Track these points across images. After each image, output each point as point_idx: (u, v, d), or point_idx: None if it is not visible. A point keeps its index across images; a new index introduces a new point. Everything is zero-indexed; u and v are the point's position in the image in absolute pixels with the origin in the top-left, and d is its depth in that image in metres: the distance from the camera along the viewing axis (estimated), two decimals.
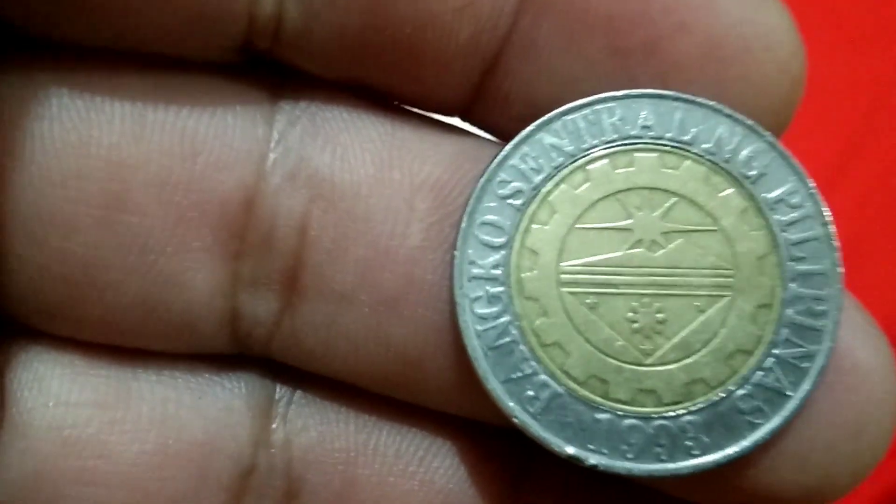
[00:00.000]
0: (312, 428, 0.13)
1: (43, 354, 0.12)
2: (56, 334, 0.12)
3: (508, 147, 0.11)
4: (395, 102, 0.12)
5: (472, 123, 0.12)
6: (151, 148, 0.11)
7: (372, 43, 0.11)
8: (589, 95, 0.11)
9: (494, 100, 0.12)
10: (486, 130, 0.12)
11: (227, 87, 0.12)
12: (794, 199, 0.11)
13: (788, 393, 0.11)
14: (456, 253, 0.11)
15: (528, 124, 0.12)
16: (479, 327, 0.11)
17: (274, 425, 0.13)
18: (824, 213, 0.12)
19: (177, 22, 0.11)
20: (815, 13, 0.50)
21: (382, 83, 0.12)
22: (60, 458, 0.12)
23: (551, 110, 0.11)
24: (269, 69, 0.12)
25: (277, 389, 0.13)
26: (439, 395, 0.12)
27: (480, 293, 0.11)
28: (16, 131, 0.11)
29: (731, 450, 0.11)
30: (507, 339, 0.11)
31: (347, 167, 0.12)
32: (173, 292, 0.12)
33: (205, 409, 0.13)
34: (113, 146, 0.11)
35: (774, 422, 0.11)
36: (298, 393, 0.13)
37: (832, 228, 0.12)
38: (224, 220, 0.12)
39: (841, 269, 0.11)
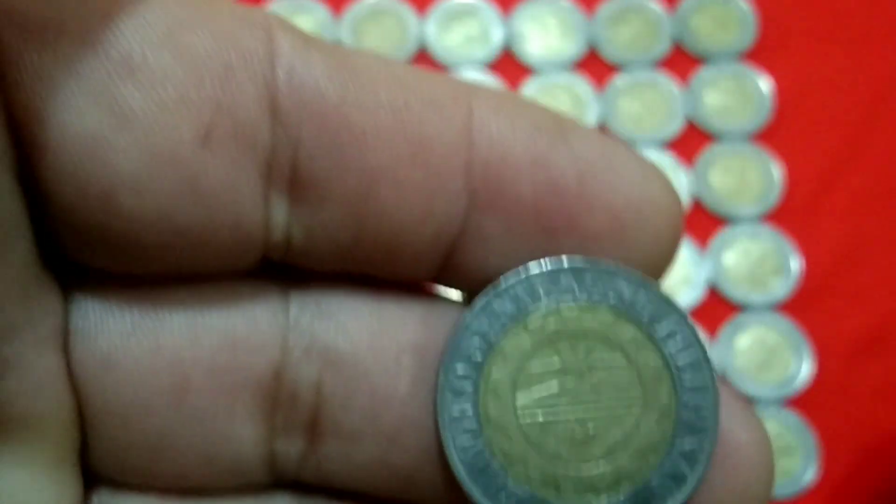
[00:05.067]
0: None
1: (126, 500, 0.16)
2: (135, 486, 0.16)
3: (468, 315, 0.15)
4: (380, 279, 0.16)
5: (440, 284, 0.16)
6: (202, 347, 0.15)
7: (359, 250, 0.15)
8: (526, 263, 0.15)
9: (455, 271, 0.16)
10: (452, 288, 0.16)
11: (251, 288, 0.16)
12: (679, 334, 0.15)
13: (688, 475, 0.15)
14: (438, 400, 0.15)
15: (481, 289, 0.15)
16: (462, 455, 0.15)
17: None
18: (700, 340, 0.15)
19: (213, 258, 0.15)
20: (815, 13, 0.50)
21: (370, 271, 0.16)
22: None
23: (498, 277, 0.15)
24: (282, 270, 0.16)
25: None
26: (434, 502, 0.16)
27: (459, 429, 0.15)
28: (104, 344, 0.15)
29: None
30: (483, 462, 0.15)
31: (348, 339, 0.16)
32: (226, 445, 0.16)
33: None
34: (174, 350, 0.15)
35: (680, 498, 0.15)
36: None
37: (708, 352, 0.15)
38: (260, 389, 0.16)
39: (716, 382, 0.15)
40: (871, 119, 0.48)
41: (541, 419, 0.15)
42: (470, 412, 0.15)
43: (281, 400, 0.16)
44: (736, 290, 0.45)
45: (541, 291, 0.15)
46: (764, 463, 0.15)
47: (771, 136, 0.48)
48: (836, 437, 0.43)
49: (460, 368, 0.15)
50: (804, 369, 0.44)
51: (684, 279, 0.45)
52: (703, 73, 0.49)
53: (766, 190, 0.47)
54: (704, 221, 0.47)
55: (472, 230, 0.15)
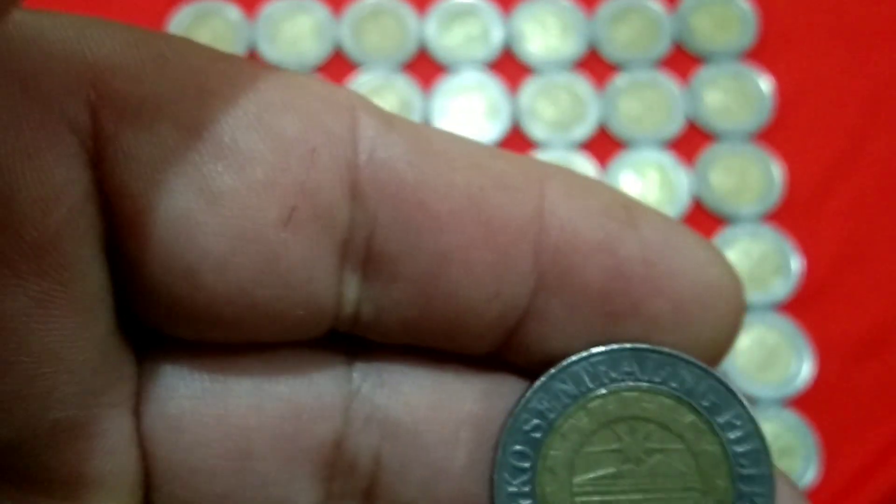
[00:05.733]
0: None
1: None
2: None
3: (529, 393, 0.15)
4: (443, 352, 0.16)
5: (501, 360, 0.16)
6: (267, 414, 0.16)
7: (425, 326, 0.16)
8: (588, 347, 0.15)
9: (516, 350, 0.16)
10: (511, 368, 0.16)
11: (316, 357, 0.16)
12: (738, 422, 0.15)
13: None
14: (494, 476, 0.15)
15: (541, 368, 0.16)
16: None
17: None
18: (760, 430, 0.15)
19: (285, 330, 0.16)
20: (816, 13, 0.50)
21: (434, 345, 0.16)
22: None
23: (560, 359, 0.16)
24: (346, 339, 0.16)
25: None
26: None
27: None
28: (174, 408, 0.16)
29: None
30: None
31: (408, 410, 0.16)
32: None
33: None
34: (241, 416, 0.16)
35: None
36: None
37: (767, 442, 0.15)
38: (321, 456, 0.16)
39: (773, 471, 0.15)
40: (871, 119, 0.48)
41: (597, 500, 0.15)
42: (526, 490, 0.15)
43: (340, 467, 0.16)
44: None
45: (602, 374, 0.15)
46: None
47: (771, 135, 0.48)
48: (837, 437, 0.43)
49: (518, 446, 0.15)
50: (804, 369, 0.44)
51: None
52: (703, 73, 0.49)
53: (767, 190, 0.47)
54: (705, 221, 0.47)
55: (537, 311, 0.15)
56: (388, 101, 0.47)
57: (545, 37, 0.50)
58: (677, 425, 0.15)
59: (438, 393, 0.16)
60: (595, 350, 0.15)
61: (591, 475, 0.15)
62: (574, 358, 0.15)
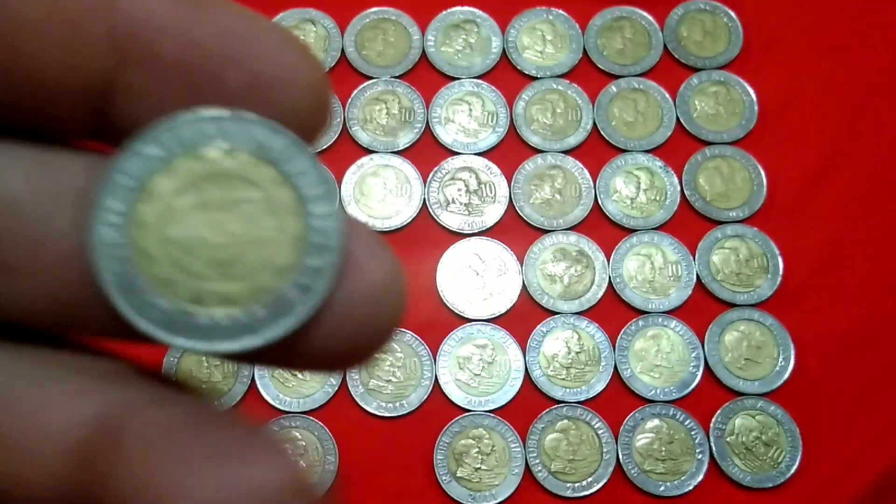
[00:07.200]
0: None
1: None
2: None
3: (118, 157, 0.17)
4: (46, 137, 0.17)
5: (103, 142, 0.17)
6: None
7: (12, 101, 0.16)
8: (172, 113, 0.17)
9: (113, 128, 0.17)
10: (114, 146, 0.17)
11: None
12: (309, 172, 0.17)
13: (317, 288, 0.16)
14: (90, 232, 0.17)
15: None
16: (112, 279, 0.17)
17: None
18: (328, 178, 0.17)
19: None
20: (799, 26, 0.51)
21: (28, 124, 0.17)
22: None
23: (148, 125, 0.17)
24: None
25: None
26: (96, 327, 0.17)
27: (110, 257, 0.17)
28: None
29: (287, 325, 0.16)
30: (132, 283, 0.17)
31: (4, 183, 0.16)
32: None
33: None
34: None
35: (310, 304, 0.16)
36: None
37: (335, 186, 0.16)
38: None
39: (341, 210, 0.17)
40: (851, 126, 0.49)
41: (187, 247, 0.17)
42: (120, 241, 0.17)
43: None
44: (723, 289, 0.47)
45: (187, 137, 0.17)
46: (388, 283, 0.17)
47: (756, 142, 0.49)
48: (819, 429, 0.44)
49: (111, 204, 0.17)
50: (788, 365, 0.45)
51: (674, 278, 0.47)
52: (692, 82, 0.50)
53: (752, 194, 0.48)
54: (693, 223, 0.48)
55: (123, 87, 0.16)
56: (391, 108, 0.49)
57: (541, 47, 0.51)
58: (257, 178, 0.17)
59: (38, 167, 0.17)
60: (179, 116, 0.17)
61: (181, 226, 0.17)
62: (160, 123, 0.17)
